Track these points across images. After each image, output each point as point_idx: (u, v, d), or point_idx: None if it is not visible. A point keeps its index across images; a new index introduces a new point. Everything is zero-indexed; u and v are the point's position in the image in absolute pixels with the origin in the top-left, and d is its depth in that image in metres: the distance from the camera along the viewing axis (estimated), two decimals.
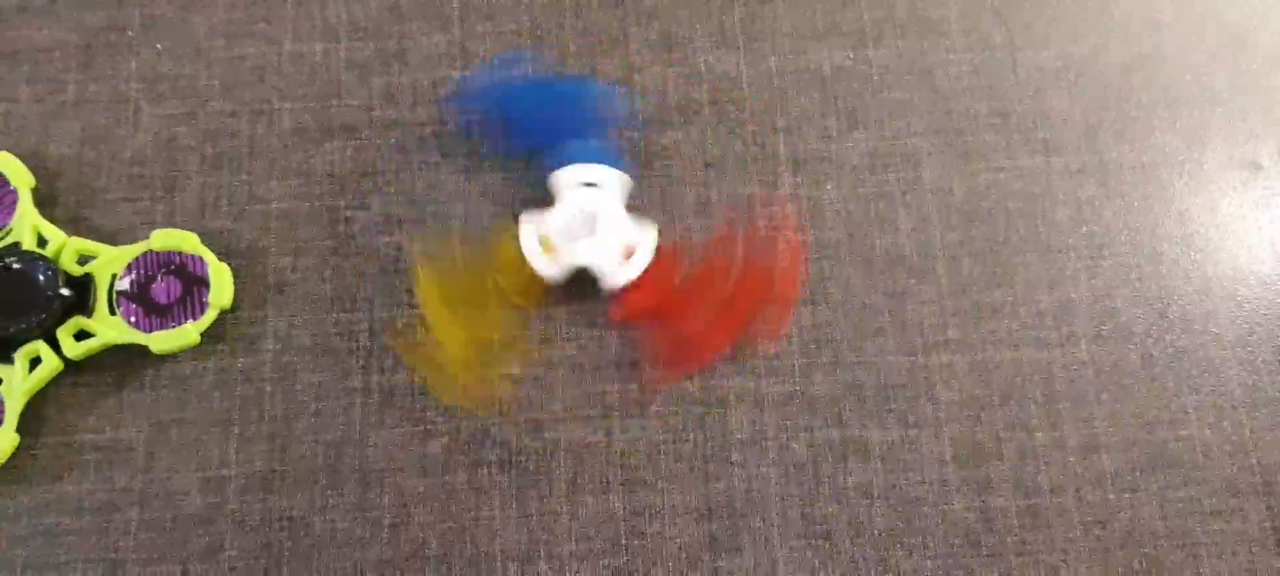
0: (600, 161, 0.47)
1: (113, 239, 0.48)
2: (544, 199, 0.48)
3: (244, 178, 0.49)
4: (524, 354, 0.47)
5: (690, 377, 0.46)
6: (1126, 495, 0.46)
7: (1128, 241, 0.50)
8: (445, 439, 0.46)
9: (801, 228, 0.48)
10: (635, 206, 0.49)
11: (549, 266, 0.46)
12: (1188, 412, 0.47)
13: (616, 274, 0.46)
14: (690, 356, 0.46)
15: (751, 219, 0.48)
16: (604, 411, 0.46)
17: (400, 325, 0.47)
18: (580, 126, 0.48)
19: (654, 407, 0.47)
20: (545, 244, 0.46)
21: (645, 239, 0.47)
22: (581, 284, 0.47)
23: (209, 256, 0.47)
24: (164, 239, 0.47)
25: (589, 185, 0.47)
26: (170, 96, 0.51)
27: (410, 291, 0.48)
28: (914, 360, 0.48)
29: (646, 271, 0.46)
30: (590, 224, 0.46)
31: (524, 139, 0.49)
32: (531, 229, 0.46)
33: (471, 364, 0.46)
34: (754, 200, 0.49)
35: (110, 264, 0.46)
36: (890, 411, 0.47)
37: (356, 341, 0.47)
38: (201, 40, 0.52)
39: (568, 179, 0.47)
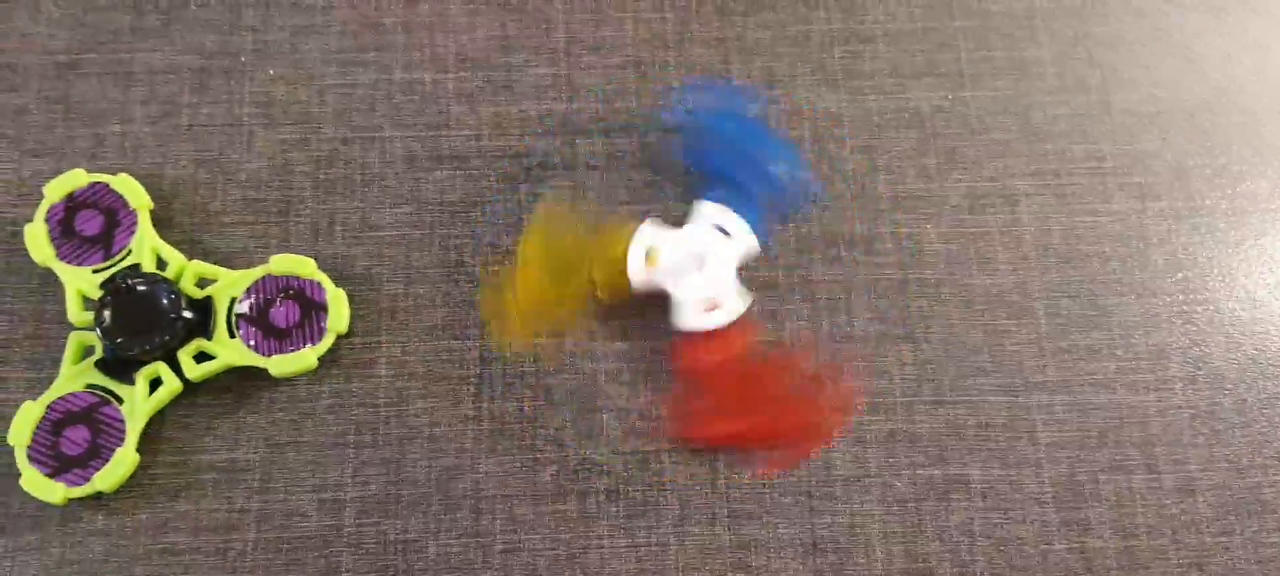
0: (750, 219, 0.48)
1: (227, 261, 0.49)
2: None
3: (356, 204, 0.50)
4: (575, 330, 0.48)
5: (691, 448, 0.47)
6: (1222, 539, 0.47)
7: (1221, 287, 0.50)
8: (555, 467, 0.47)
9: (861, 397, 0.48)
10: (747, 275, 0.49)
11: (638, 275, 0.47)
12: None
13: (692, 318, 0.47)
14: (698, 430, 0.47)
15: (827, 361, 0.49)
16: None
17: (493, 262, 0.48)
18: (758, 178, 0.49)
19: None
20: (651, 256, 0.47)
21: (733, 305, 0.47)
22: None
23: (326, 282, 0.48)
24: (282, 264, 0.48)
25: (722, 231, 0.48)
26: (283, 121, 0.52)
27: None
28: (1014, 400, 0.48)
29: (717, 334, 0.47)
30: (699, 262, 0.47)
31: (710, 161, 0.50)
32: (646, 237, 0.47)
33: (530, 323, 0.47)
34: (832, 360, 0.49)
35: (230, 287, 0.47)
36: (990, 450, 0.48)
37: (467, 368, 0.48)
38: (314, 66, 0.53)
39: (707, 212, 0.48)
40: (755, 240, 0.48)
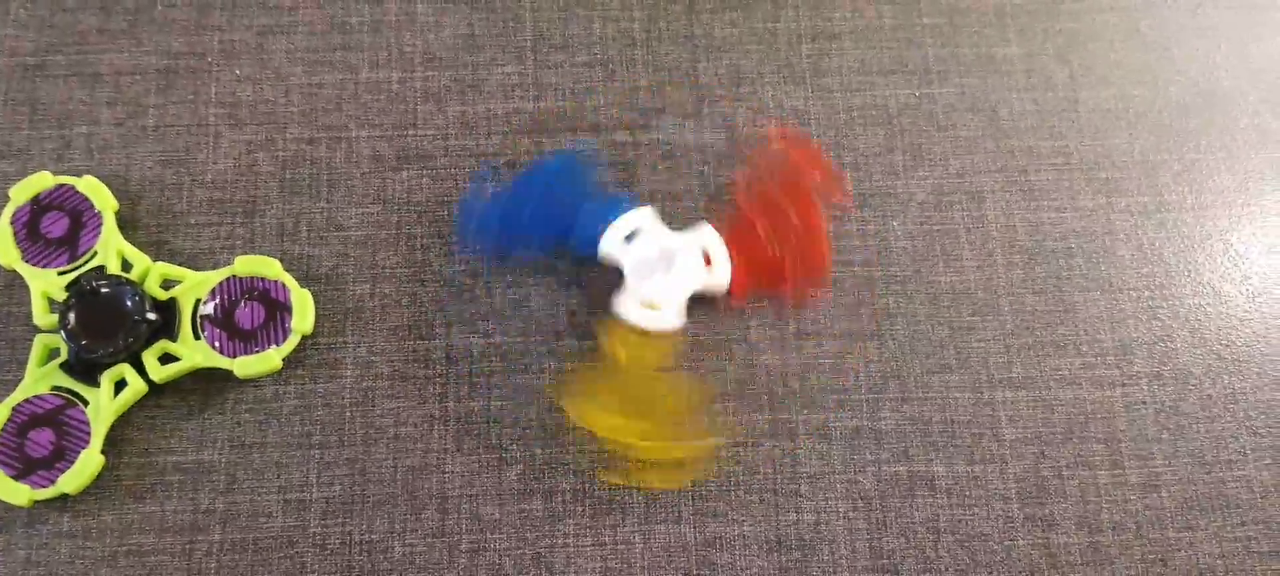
0: (616, 213, 0.47)
1: (193, 262, 0.49)
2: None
3: (322, 204, 0.50)
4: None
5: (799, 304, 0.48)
6: (1186, 534, 0.47)
7: (1187, 282, 0.51)
8: (521, 466, 0.47)
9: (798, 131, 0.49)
10: (674, 220, 0.49)
11: (663, 320, 0.47)
12: (1245, 454, 0.48)
13: (717, 276, 0.47)
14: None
15: (765, 154, 0.49)
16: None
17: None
18: (579, 195, 0.48)
19: (723, 440, 0.47)
20: (649, 305, 0.47)
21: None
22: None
23: (291, 283, 0.48)
24: (247, 265, 0.48)
25: (629, 238, 0.47)
26: (249, 122, 0.52)
27: (486, 319, 0.49)
28: (979, 396, 0.49)
29: (641, 332, 0.47)
30: (667, 259, 0.47)
31: (540, 239, 0.49)
32: (628, 302, 0.47)
33: (667, 443, 0.47)
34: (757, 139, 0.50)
35: (195, 288, 0.47)
36: (955, 447, 0.48)
37: (433, 368, 0.48)
38: (280, 67, 0.53)
39: (612, 244, 0.48)
40: (727, 282, 0.48)
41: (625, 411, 0.46)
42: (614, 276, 0.48)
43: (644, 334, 0.47)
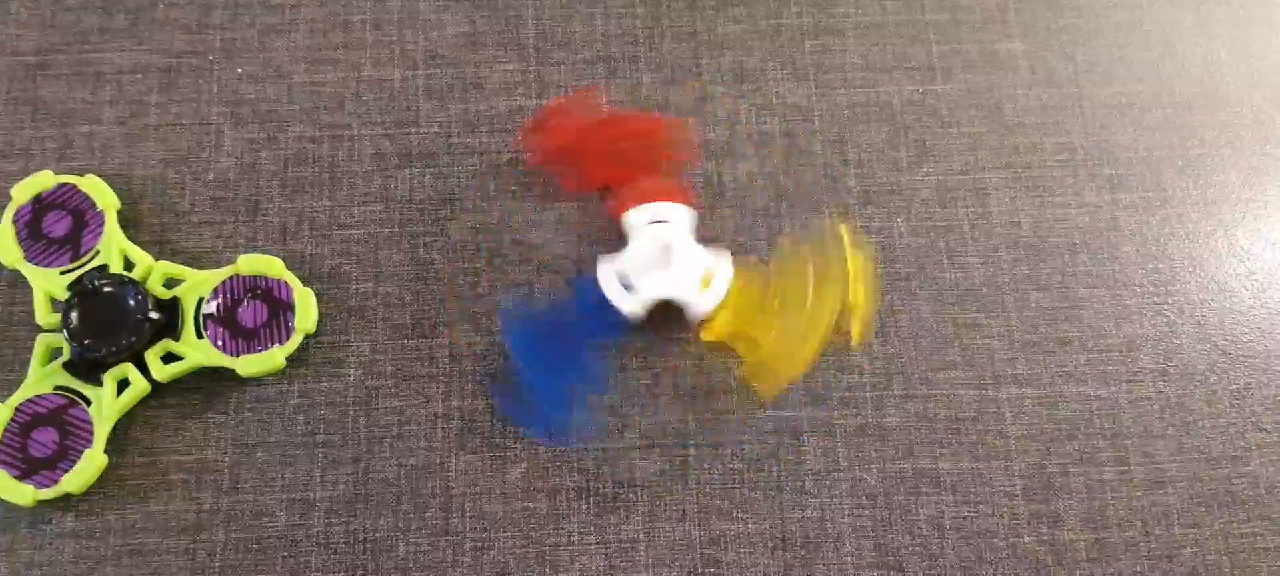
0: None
1: (196, 261, 0.49)
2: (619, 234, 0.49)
3: (325, 202, 0.50)
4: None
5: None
6: (1192, 531, 0.47)
7: (1192, 278, 0.50)
8: (525, 465, 0.47)
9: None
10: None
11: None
12: (1251, 450, 0.48)
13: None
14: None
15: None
16: (680, 441, 0.47)
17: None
18: (590, 336, 0.48)
19: (727, 438, 0.47)
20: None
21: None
22: (652, 315, 0.48)
23: (294, 281, 0.47)
24: (250, 264, 0.47)
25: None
26: (251, 120, 0.52)
27: (489, 316, 0.48)
28: (983, 393, 0.48)
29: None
30: (666, 256, 0.47)
31: (548, 376, 0.48)
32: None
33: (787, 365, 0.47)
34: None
35: (197, 287, 0.47)
36: (960, 444, 0.48)
37: (437, 366, 0.48)
38: (282, 65, 0.53)
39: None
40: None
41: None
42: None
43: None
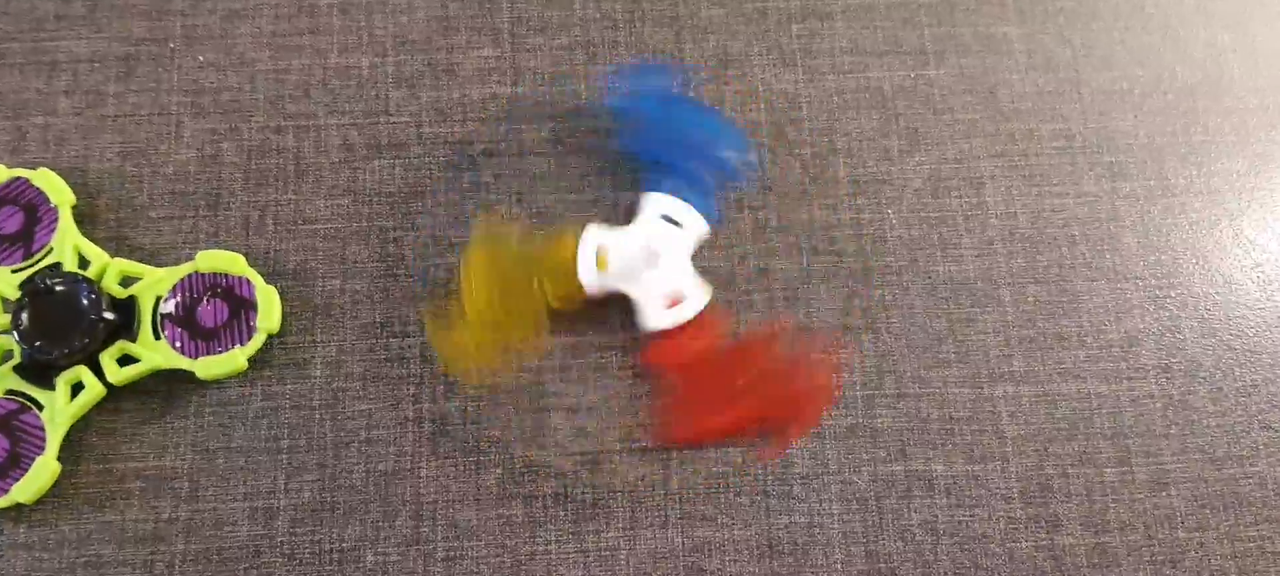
0: (695, 202, 0.46)
1: (154, 258, 0.47)
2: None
3: (290, 196, 0.48)
4: (538, 351, 0.46)
5: (684, 448, 0.45)
6: (1197, 534, 0.45)
7: (1196, 270, 0.48)
8: (500, 470, 0.45)
9: (839, 368, 0.46)
10: (700, 261, 0.47)
11: (593, 279, 0.44)
12: (1258, 449, 0.46)
13: (656, 316, 0.45)
14: (689, 429, 0.45)
15: (801, 338, 0.47)
16: (662, 443, 0.45)
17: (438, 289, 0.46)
18: (705, 163, 0.47)
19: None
20: (601, 259, 0.45)
21: (696, 296, 0.45)
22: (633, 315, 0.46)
23: (256, 279, 0.45)
24: (210, 260, 0.45)
25: (670, 221, 0.45)
26: (213, 110, 0.49)
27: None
28: (979, 392, 0.46)
29: (686, 327, 0.45)
30: (652, 259, 0.45)
31: (654, 149, 0.47)
32: (593, 239, 0.45)
33: (486, 345, 0.45)
34: (805, 331, 0.47)
35: (155, 286, 0.45)
36: (955, 445, 0.46)
37: (408, 367, 0.46)
38: (245, 52, 0.50)
39: (653, 206, 0.46)
40: (706, 225, 0.46)
41: (494, 285, 0.45)
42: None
43: (573, 268, 0.45)
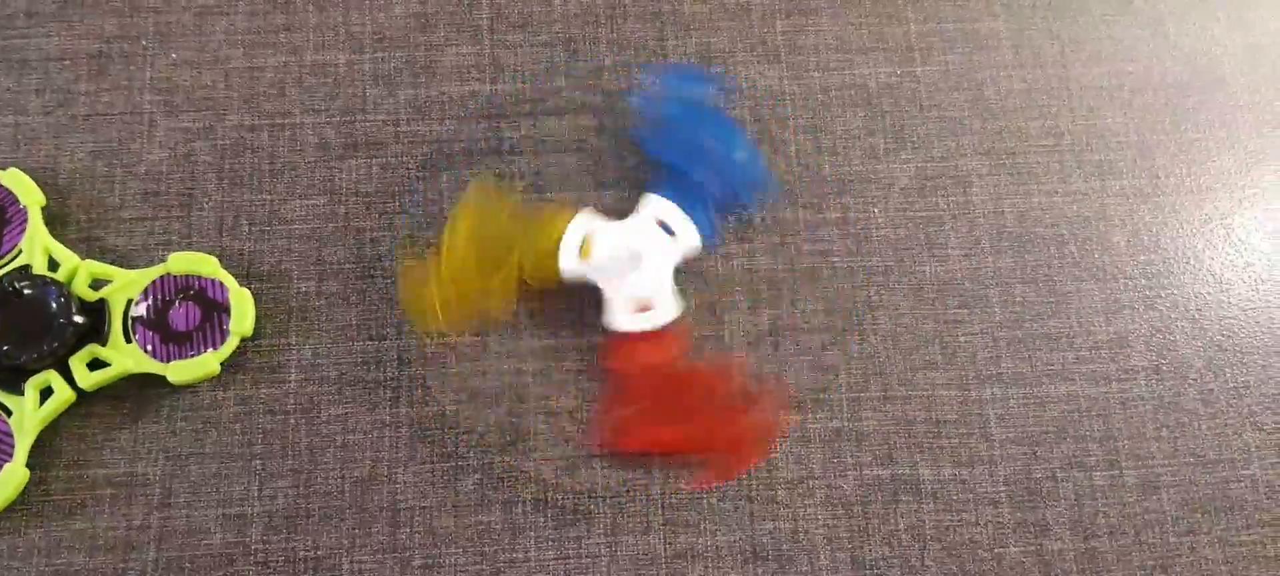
0: (695, 215, 0.45)
1: (127, 259, 0.46)
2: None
3: (264, 196, 0.47)
4: (503, 320, 0.45)
5: (620, 456, 0.44)
6: (1187, 538, 0.44)
7: (1187, 270, 0.48)
8: (478, 475, 0.44)
9: (792, 411, 0.45)
10: (685, 265, 0.46)
11: (569, 264, 0.44)
12: (1250, 452, 0.45)
13: (621, 317, 0.44)
14: (627, 439, 0.44)
15: (756, 382, 0.46)
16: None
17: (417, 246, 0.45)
18: (716, 175, 0.46)
19: None
20: (586, 247, 0.44)
21: (667, 308, 0.44)
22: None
23: (229, 281, 0.45)
24: (182, 262, 0.45)
25: (664, 227, 0.45)
26: (186, 109, 0.48)
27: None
28: (966, 394, 0.46)
29: (647, 336, 0.44)
30: (635, 260, 0.44)
31: (661, 146, 0.47)
32: (582, 225, 0.45)
33: (453, 305, 0.44)
34: (760, 378, 0.46)
35: (126, 288, 0.44)
36: (942, 448, 0.45)
37: (384, 371, 0.45)
38: (219, 49, 0.49)
39: (651, 208, 0.45)
40: (698, 240, 0.45)
41: (474, 246, 0.44)
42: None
43: (554, 248, 0.44)
